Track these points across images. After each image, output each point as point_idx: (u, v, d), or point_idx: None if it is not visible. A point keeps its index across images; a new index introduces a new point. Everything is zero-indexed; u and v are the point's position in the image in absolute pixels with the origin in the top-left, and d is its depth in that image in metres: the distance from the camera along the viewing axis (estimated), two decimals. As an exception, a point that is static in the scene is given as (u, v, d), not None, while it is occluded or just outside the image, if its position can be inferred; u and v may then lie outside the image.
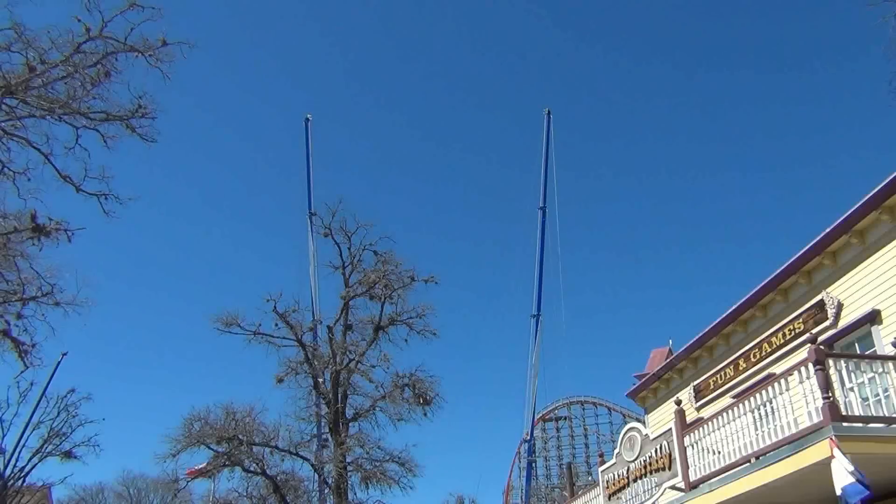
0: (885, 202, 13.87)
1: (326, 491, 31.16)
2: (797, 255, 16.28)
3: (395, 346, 33.01)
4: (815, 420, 10.52)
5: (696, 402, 20.45)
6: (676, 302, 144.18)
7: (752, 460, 11.88)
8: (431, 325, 33.12)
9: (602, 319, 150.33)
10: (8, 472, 34.02)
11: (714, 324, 19.55)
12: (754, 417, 12.06)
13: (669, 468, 14.28)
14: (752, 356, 18.18)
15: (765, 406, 11.89)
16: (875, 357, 11.98)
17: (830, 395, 10.39)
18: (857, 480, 9.36)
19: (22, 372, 23.27)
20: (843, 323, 15.24)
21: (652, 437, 15.37)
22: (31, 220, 16.71)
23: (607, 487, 17.00)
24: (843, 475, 9.53)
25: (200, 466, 30.60)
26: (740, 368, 18.64)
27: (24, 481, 35.19)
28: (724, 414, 12.81)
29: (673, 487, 14.14)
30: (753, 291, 17.84)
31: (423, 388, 31.70)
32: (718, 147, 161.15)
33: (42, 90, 15.07)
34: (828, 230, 15.28)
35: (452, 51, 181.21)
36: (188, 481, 32.02)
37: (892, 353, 12.12)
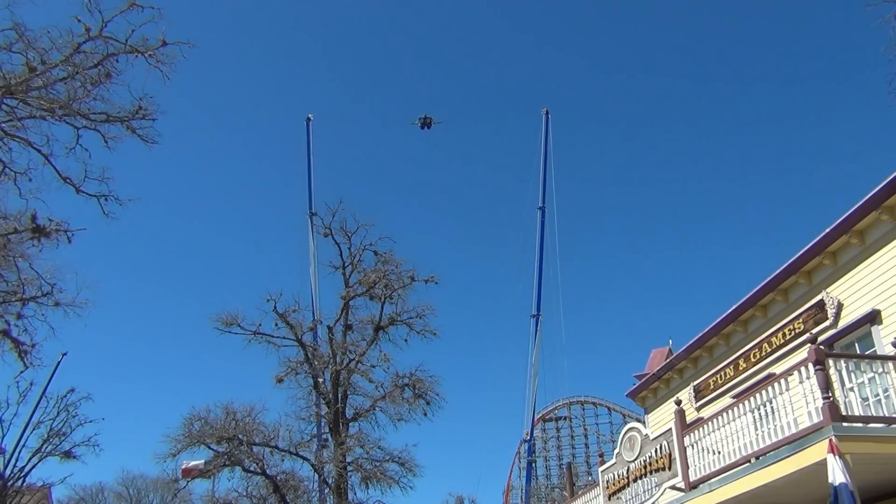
0: (885, 202, 13.89)
1: (326, 491, 31.15)
2: (797, 255, 16.29)
3: (395, 346, 33.01)
4: (815, 420, 10.53)
5: (696, 402, 20.47)
6: (676, 302, 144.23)
7: (752, 460, 11.89)
8: (431, 325, 33.10)
9: (602, 319, 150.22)
10: (8, 472, 34.05)
11: (714, 324, 19.56)
12: (754, 417, 12.07)
13: (669, 468, 14.30)
14: (752, 356, 18.19)
15: (765, 406, 11.90)
16: (875, 357, 12.00)
17: (830, 395, 10.40)
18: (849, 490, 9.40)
19: (22, 372, 23.29)
20: (843, 323, 15.25)
21: (652, 437, 15.39)
22: (31, 221, 16.69)
23: (607, 487, 17.02)
24: (838, 474, 9.57)
25: (196, 463, 30.55)
26: (740, 368, 18.65)
27: (24, 481, 35.22)
28: (724, 414, 12.83)
29: (673, 487, 14.15)
30: (753, 291, 17.86)
31: (423, 388, 31.71)
32: (719, 147, 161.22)
33: (42, 91, 15.06)
34: (828, 230, 15.29)
35: (452, 51, 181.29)
36: (188, 481, 32.00)
37: (892, 353, 12.13)
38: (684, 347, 21.32)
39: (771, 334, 17.56)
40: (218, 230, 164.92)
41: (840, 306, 15.38)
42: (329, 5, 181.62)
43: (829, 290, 15.76)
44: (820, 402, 10.48)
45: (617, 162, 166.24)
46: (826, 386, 10.48)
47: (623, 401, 68.95)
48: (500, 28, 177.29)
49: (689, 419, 15.37)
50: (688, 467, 13.65)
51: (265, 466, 30.78)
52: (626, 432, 16.65)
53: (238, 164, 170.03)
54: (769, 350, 17.53)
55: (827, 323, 15.58)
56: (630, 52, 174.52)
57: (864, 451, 10.14)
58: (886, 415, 10.90)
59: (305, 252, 57.55)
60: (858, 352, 14.37)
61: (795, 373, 11.40)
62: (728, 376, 19.17)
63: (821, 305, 15.88)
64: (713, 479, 12.74)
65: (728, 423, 12.69)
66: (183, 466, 30.59)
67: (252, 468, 30.99)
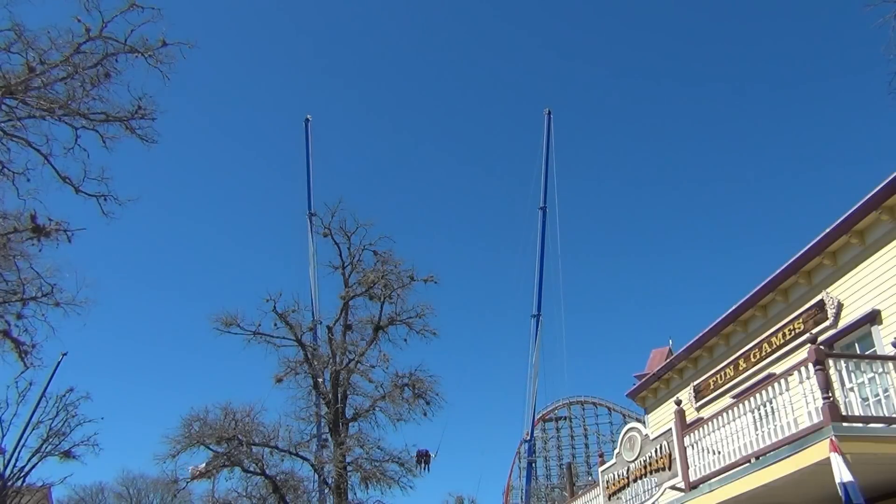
0: (885, 202, 13.88)
1: (326, 491, 31.13)
2: (797, 256, 16.28)
3: (395, 345, 33.03)
4: (815, 420, 10.51)
5: (696, 402, 20.45)
6: (676, 302, 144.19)
7: (752, 460, 11.88)
8: (431, 325, 33.14)
9: (602, 319, 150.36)
10: (8, 472, 34.05)
11: (714, 324, 19.55)
12: (754, 417, 12.05)
13: (669, 468, 14.28)
14: (752, 356, 18.18)
15: (765, 406, 11.88)
16: (875, 357, 11.98)
17: (830, 395, 10.38)
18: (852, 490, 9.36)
19: (22, 372, 23.32)
20: (843, 323, 15.24)
21: (652, 437, 15.37)
22: (30, 221, 16.71)
23: (607, 487, 17.00)
24: (845, 472, 9.55)
25: (201, 466, 30.54)
26: (740, 368, 18.64)
27: (23, 481, 35.24)
28: (724, 414, 12.81)
29: (673, 487, 14.14)
30: (753, 291, 17.84)
31: (422, 388, 31.71)
32: (719, 147, 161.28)
33: (42, 91, 15.06)
34: (828, 230, 15.28)
35: (452, 51, 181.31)
36: (188, 482, 31.99)
37: (892, 353, 12.12)
38: (684, 347, 21.30)
39: (771, 334, 17.54)
40: (218, 230, 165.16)
41: (840, 306, 15.37)
42: (328, 5, 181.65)
43: (829, 290, 15.74)
44: (820, 402, 10.46)
45: (618, 162, 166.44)
46: (826, 386, 10.46)
47: (623, 401, 68.98)
48: (501, 28, 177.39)
49: (689, 419, 15.35)
50: (688, 467, 13.63)
51: (265, 466, 30.79)
52: (626, 432, 16.64)
53: (238, 164, 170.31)
54: (769, 350, 17.52)
55: (827, 323, 15.57)
56: (631, 54, 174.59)
57: (864, 451, 10.11)
58: (886, 415, 10.88)
59: (305, 252, 57.34)
60: (858, 352, 14.36)
61: (795, 373, 11.39)
62: (728, 376, 19.15)
63: (821, 305, 15.86)
64: (713, 480, 12.71)
65: (728, 423, 12.67)
66: (192, 471, 30.57)
67: (251, 468, 31.01)
